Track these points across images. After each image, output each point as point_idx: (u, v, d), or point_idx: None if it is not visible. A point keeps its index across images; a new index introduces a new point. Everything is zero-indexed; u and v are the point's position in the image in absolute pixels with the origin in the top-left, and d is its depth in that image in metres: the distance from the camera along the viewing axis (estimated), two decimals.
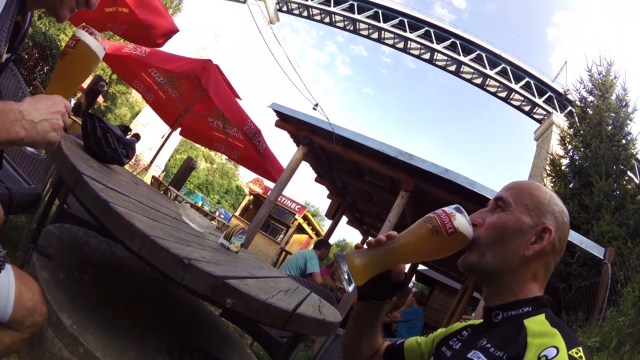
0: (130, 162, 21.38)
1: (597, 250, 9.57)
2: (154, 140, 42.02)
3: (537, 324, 1.35)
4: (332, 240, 18.05)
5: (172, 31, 9.13)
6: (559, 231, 1.52)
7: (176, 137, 34.27)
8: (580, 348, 1.21)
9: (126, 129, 3.39)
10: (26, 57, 14.69)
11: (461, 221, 1.50)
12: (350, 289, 1.53)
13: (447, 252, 1.54)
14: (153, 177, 19.00)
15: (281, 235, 26.11)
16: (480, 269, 1.54)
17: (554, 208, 1.54)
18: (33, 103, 1.38)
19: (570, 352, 1.17)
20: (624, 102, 17.08)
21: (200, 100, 10.69)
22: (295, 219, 26.15)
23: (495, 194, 1.65)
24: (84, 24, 1.75)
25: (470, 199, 8.50)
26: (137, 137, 15.54)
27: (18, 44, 1.56)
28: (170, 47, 9.56)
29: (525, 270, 1.49)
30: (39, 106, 1.39)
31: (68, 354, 1.80)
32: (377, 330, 1.86)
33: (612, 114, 16.70)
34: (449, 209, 1.54)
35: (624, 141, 15.95)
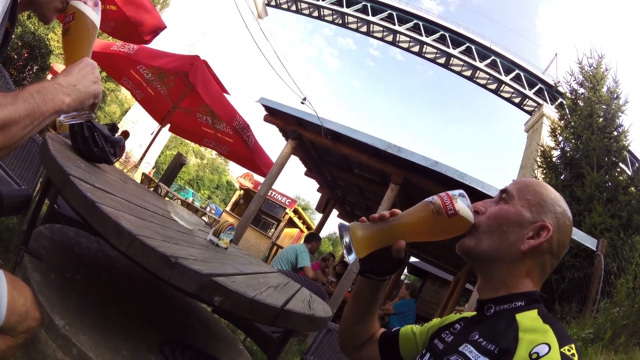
0: (120, 160, 21.29)
1: (589, 242, 9.60)
2: (144, 137, 41.91)
3: (529, 319, 1.35)
4: (323, 233, 18.08)
5: (159, 28, 9.09)
6: (559, 232, 1.51)
7: (166, 134, 34.13)
8: (572, 345, 1.21)
9: (113, 127, 3.39)
10: (15, 57, 14.60)
11: (462, 205, 1.53)
12: (351, 259, 1.56)
13: (447, 234, 1.58)
14: (143, 174, 18.95)
15: (272, 230, 26.08)
16: (475, 255, 1.55)
17: (556, 208, 1.54)
18: (66, 72, 1.44)
19: (562, 350, 1.17)
20: (615, 95, 17.13)
21: (188, 96, 10.71)
22: (286, 213, 26.14)
23: (485, 186, 1.65)
24: None
25: None
26: (125, 134, 15.51)
27: (5, 47, 1.57)
28: (159, 43, 9.57)
29: (519, 265, 1.49)
30: (72, 71, 1.45)
31: (62, 355, 1.81)
32: (375, 311, 1.90)
33: (604, 106, 16.73)
34: (452, 192, 1.57)
35: (615, 133, 15.99)
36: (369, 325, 1.92)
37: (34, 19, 26.95)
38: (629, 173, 16.14)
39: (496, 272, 1.52)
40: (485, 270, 1.56)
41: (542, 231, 1.48)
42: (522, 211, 1.52)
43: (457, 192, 1.58)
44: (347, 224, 1.60)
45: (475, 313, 1.60)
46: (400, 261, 1.69)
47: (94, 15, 1.59)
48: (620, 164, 15.61)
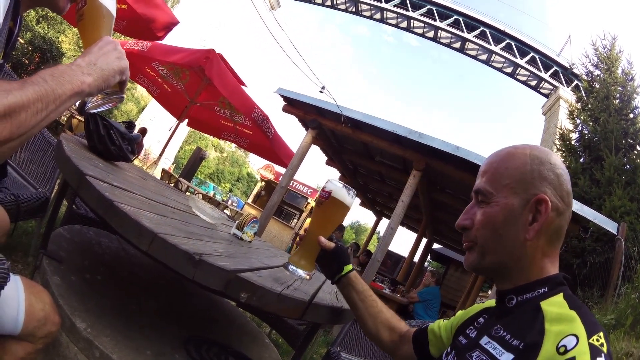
0: (139, 157, 21.38)
1: (610, 226, 9.49)
2: (162, 133, 42.00)
3: (555, 305, 1.28)
4: (346, 222, 18.05)
5: (172, 23, 9.10)
6: (557, 189, 1.41)
7: (184, 129, 34.22)
8: (601, 334, 1.14)
9: (130, 124, 3.35)
10: (26, 62, 14.71)
11: (331, 186, 1.99)
12: (309, 277, 1.99)
13: (341, 209, 2.02)
14: (163, 170, 18.98)
15: (295, 220, 26.19)
16: (484, 269, 1.50)
17: (539, 169, 1.43)
18: (85, 53, 1.32)
19: (590, 340, 1.10)
20: (630, 76, 17.23)
21: (205, 90, 10.80)
22: (308, 203, 26.26)
23: None
24: None
25: None
26: (143, 131, 15.55)
27: (10, 49, 1.50)
28: (172, 39, 9.63)
29: (532, 252, 1.40)
30: (92, 50, 1.33)
31: (84, 358, 1.78)
32: (371, 304, 2.01)
33: (619, 88, 16.83)
34: (324, 184, 2.03)
35: (631, 115, 16.12)
36: (378, 320, 2.00)
37: (43, 24, 27.09)
38: None
39: (511, 270, 1.43)
40: (500, 274, 1.47)
41: (539, 206, 1.38)
42: (507, 202, 1.42)
43: (326, 182, 2.03)
44: (287, 262, 2.03)
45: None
46: (335, 249, 2.00)
47: (110, 5, 1.51)
48: (638, 147, 15.55)
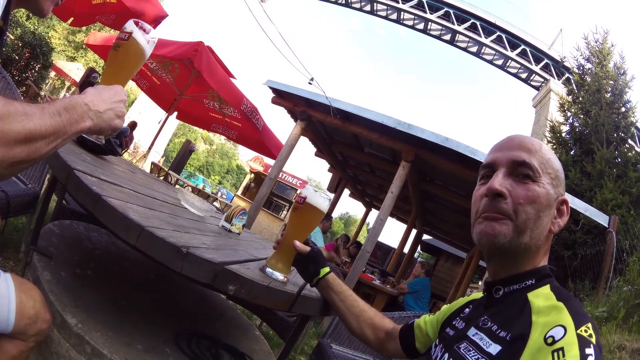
0: (129, 151, 21.30)
1: (601, 218, 9.53)
2: (152, 126, 41.87)
3: (541, 297, 1.28)
4: (335, 213, 18.14)
5: (161, 17, 9.06)
6: (564, 190, 1.46)
7: (174, 122, 34.13)
8: (589, 325, 1.13)
9: None
10: (16, 57, 14.64)
11: (306, 192, 2.04)
12: (286, 279, 2.00)
13: (314, 216, 2.05)
14: (153, 163, 18.90)
15: (284, 212, 26.28)
16: (513, 248, 1.38)
17: (562, 170, 1.46)
18: (97, 94, 1.39)
19: (578, 331, 1.10)
20: (622, 70, 17.22)
21: (194, 82, 10.80)
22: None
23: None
24: (133, 19, 1.69)
25: (472, 166, 8.50)
26: (133, 125, 15.51)
27: (1, 47, 1.51)
28: (161, 32, 9.61)
29: (544, 244, 1.41)
30: (103, 96, 1.41)
31: (76, 354, 1.78)
32: (353, 303, 2.06)
33: (611, 82, 16.85)
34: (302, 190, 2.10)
35: (623, 109, 16.12)
36: (361, 319, 2.04)
37: (33, 20, 27.02)
38: (638, 149, 16.12)
39: (519, 258, 1.40)
40: (509, 260, 1.42)
41: (562, 207, 1.41)
42: (549, 189, 1.39)
43: (303, 189, 2.09)
44: (264, 265, 2.04)
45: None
46: (311, 252, 2.03)
47: (146, 49, 1.61)
48: (629, 141, 15.63)
